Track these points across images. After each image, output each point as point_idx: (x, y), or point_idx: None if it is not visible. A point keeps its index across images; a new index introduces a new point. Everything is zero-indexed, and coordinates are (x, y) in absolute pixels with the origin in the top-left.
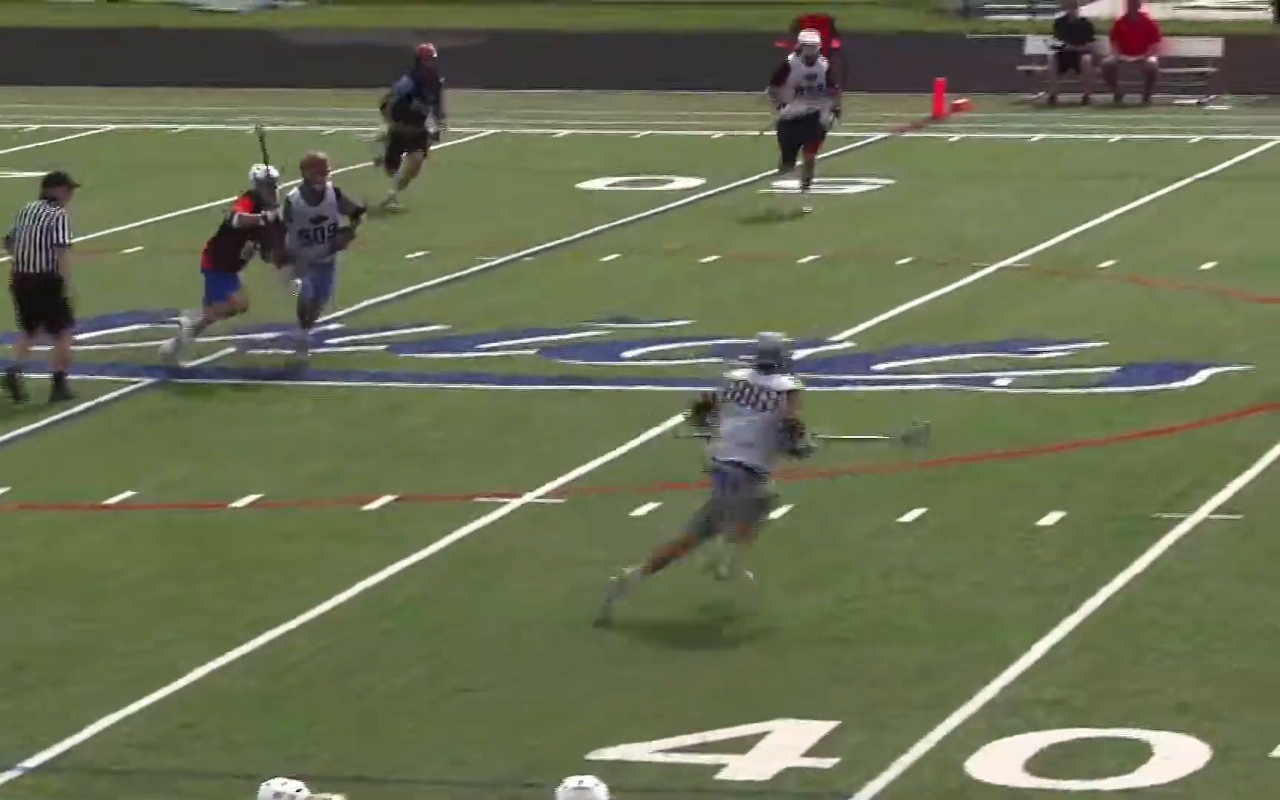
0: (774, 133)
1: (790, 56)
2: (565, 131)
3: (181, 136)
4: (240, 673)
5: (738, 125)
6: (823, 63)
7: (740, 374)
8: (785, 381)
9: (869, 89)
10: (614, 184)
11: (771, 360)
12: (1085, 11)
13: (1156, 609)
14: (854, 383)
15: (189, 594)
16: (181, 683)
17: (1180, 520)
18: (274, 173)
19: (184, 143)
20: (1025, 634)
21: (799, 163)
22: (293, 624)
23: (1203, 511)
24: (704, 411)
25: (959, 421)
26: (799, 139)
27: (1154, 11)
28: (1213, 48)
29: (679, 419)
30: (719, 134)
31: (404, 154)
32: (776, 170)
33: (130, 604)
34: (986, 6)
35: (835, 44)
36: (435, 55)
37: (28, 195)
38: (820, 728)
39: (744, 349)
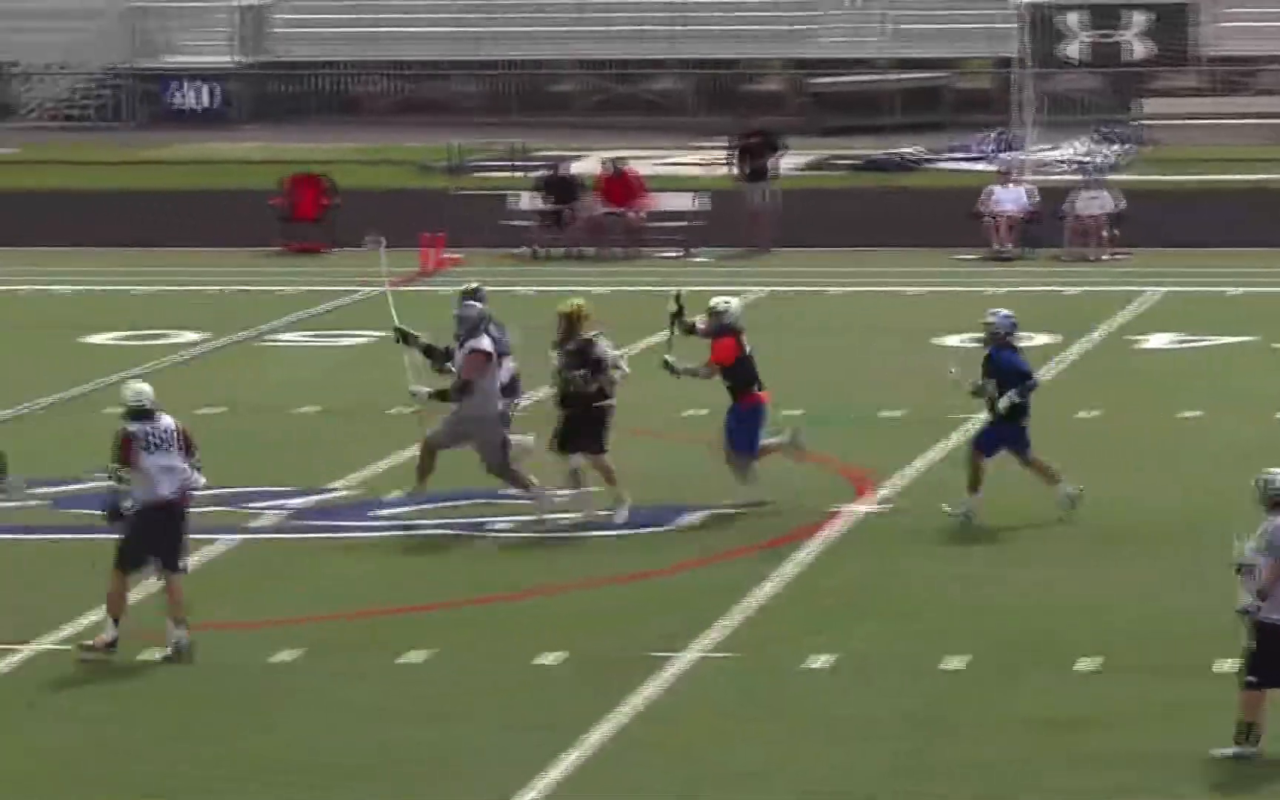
0: None
1: None
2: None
3: None
4: None
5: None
6: None
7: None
8: None
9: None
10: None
11: None
12: (574, 167)
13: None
14: (354, 529)
15: None
16: None
17: (671, 658)
18: None
19: None
20: (524, 772)
21: None
22: None
23: (695, 650)
24: None
25: (461, 564)
26: None
27: (640, 167)
28: (693, 202)
29: None
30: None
31: None
32: None
33: None
34: (471, 164)
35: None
36: None
37: None
38: None
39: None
